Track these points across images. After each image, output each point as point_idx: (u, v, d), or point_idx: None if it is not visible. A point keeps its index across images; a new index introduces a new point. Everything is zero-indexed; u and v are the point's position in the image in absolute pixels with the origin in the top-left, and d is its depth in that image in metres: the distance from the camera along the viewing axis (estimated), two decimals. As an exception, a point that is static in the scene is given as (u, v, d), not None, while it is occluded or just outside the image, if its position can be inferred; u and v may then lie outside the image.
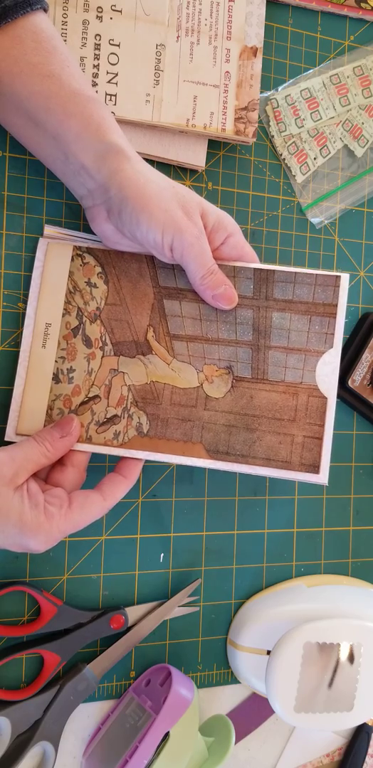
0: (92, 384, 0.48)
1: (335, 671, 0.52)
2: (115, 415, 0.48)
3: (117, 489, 0.46)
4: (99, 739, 0.52)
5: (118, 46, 0.50)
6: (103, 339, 0.48)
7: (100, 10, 0.49)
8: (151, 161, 0.53)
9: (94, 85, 0.49)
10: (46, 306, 0.48)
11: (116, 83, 0.50)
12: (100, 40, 0.49)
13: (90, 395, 0.48)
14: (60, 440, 0.45)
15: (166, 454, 0.47)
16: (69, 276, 0.48)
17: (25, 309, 0.50)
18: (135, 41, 0.50)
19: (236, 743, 0.54)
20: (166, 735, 0.48)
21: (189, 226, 0.44)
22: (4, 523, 0.41)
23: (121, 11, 0.49)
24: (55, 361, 0.48)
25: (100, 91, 0.49)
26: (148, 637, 0.54)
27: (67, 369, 0.48)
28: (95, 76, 0.49)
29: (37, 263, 0.48)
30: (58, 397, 0.48)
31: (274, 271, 0.48)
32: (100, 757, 0.51)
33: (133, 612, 0.53)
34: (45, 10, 0.44)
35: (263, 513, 0.58)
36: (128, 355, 0.48)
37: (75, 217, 0.52)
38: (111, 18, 0.49)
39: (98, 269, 0.48)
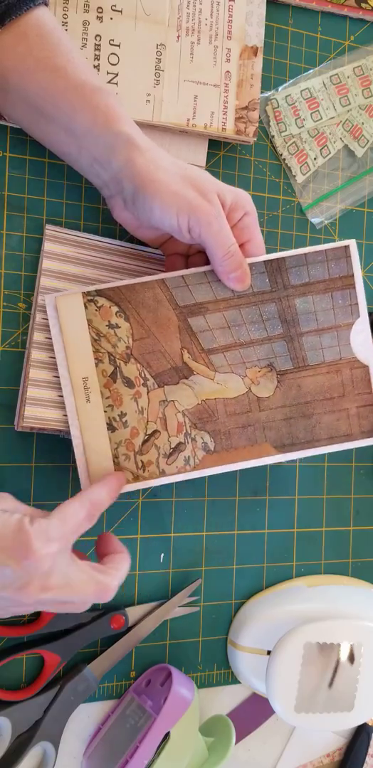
0: (147, 421, 0.48)
1: (335, 671, 0.52)
2: (180, 443, 0.48)
3: (94, 490, 0.44)
4: (99, 739, 0.52)
5: (119, 46, 0.49)
6: (143, 375, 0.48)
7: (100, 10, 0.49)
8: (151, 161, 0.53)
9: (95, 85, 0.49)
10: (77, 362, 0.47)
11: (117, 83, 0.50)
12: (100, 40, 0.49)
13: (149, 432, 0.48)
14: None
15: (238, 463, 0.48)
16: (89, 324, 0.47)
17: (25, 309, 0.50)
18: (135, 41, 0.50)
19: (236, 743, 0.54)
20: (167, 735, 0.48)
21: (205, 205, 0.44)
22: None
23: (121, 11, 0.49)
24: (105, 411, 0.47)
25: (100, 91, 0.49)
26: (149, 637, 0.54)
27: (119, 415, 0.47)
28: (96, 76, 0.49)
29: (52, 321, 0.47)
30: (119, 444, 0.47)
31: (284, 258, 0.48)
32: (100, 758, 0.51)
33: (133, 612, 0.53)
34: (46, 4, 0.44)
35: (264, 513, 0.58)
36: (172, 383, 0.48)
37: (75, 216, 0.51)
38: (111, 18, 0.49)
39: (115, 308, 0.47)
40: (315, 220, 0.59)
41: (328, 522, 0.60)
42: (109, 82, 0.49)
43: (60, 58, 0.42)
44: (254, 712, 0.58)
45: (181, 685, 0.50)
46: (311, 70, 0.58)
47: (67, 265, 0.49)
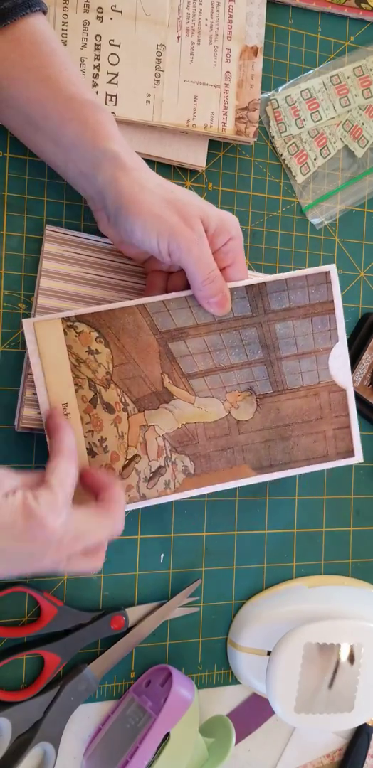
0: (128, 446, 0.48)
1: (335, 672, 0.52)
2: (160, 467, 0.48)
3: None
4: (99, 739, 0.52)
5: (119, 46, 0.49)
6: (123, 400, 0.48)
7: (100, 10, 0.49)
8: (151, 161, 0.53)
9: (95, 85, 0.49)
10: (57, 387, 0.46)
11: (117, 83, 0.50)
12: (100, 40, 0.49)
13: (129, 457, 0.48)
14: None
15: (218, 484, 0.49)
16: (68, 350, 0.46)
17: (25, 310, 0.50)
18: (135, 41, 0.50)
19: (236, 744, 0.54)
20: (167, 736, 0.48)
21: (186, 231, 0.43)
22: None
23: (121, 12, 0.49)
24: (85, 437, 0.47)
25: (100, 92, 0.49)
26: (149, 637, 0.54)
27: (99, 440, 0.47)
28: (96, 76, 0.49)
29: (31, 347, 0.46)
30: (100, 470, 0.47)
31: (265, 283, 0.48)
32: (100, 758, 0.51)
33: (133, 613, 0.53)
34: (44, 12, 0.44)
35: (263, 513, 0.58)
36: (152, 407, 0.48)
37: (75, 217, 0.51)
38: (111, 18, 0.49)
39: (95, 334, 0.47)
40: (315, 221, 0.59)
41: (328, 522, 0.60)
42: (109, 82, 0.49)
43: (52, 69, 0.42)
44: (254, 713, 0.58)
45: (181, 686, 0.50)
46: (311, 71, 0.58)
47: (67, 266, 0.49)
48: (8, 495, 0.38)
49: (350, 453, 0.51)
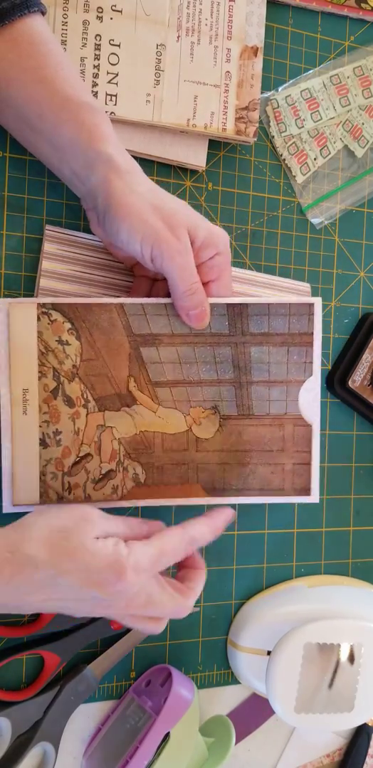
0: (81, 443, 0.47)
1: (335, 672, 0.52)
2: (111, 470, 0.48)
3: (196, 523, 0.44)
4: (99, 739, 0.52)
5: (119, 46, 0.49)
6: (85, 396, 0.47)
7: (100, 10, 0.49)
8: (151, 161, 0.53)
9: (95, 85, 0.49)
10: (20, 372, 0.46)
11: (117, 83, 0.50)
12: (100, 40, 0.49)
13: (81, 454, 0.47)
14: (142, 536, 0.43)
15: (166, 499, 0.48)
16: (38, 336, 0.46)
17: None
18: (135, 41, 0.50)
19: (236, 744, 0.54)
20: (167, 735, 0.48)
21: (170, 239, 0.43)
22: (89, 563, 0.38)
23: (121, 11, 0.49)
24: (40, 426, 0.46)
25: (100, 92, 0.49)
26: (149, 637, 0.54)
27: (53, 432, 0.46)
28: (96, 76, 0.49)
29: (1, 327, 0.45)
30: (49, 462, 0.47)
31: (247, 305, 0.48)
32: (100, 758, 0.51)
33: (133, 612, 0.53)
34: (43, 13, 0.44)
35: (263, 513, 0.58)
36: (113, 408, 0.47)
37: (75, 217, 0.51)
38: (111, 18, 0.49)
39: (68, 325, 0.46)
40: (315, 221, 0.59)
41: (328, 522, 0.60)
42: (109, 82, 0.49)
43: (48, 70, 0.42)
44: (254, 713, 0.58)
45: (181, 686, 0.50)
46: (311, 71, 0.58)
47: (67, 266, 0.49)
48: (99, 540, 0.39)
49: (306, 491, 0.51)
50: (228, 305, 0.48)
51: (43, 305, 0.46)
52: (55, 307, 0.46)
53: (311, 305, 0.49)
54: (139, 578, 0.39)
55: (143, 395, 0.48)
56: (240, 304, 0.48)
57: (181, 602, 0.42)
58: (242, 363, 0.49)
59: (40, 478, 0.46)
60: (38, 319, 0.46)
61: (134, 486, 0.48)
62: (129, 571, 0.38)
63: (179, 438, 0.48)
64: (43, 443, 0.46)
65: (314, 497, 0.51)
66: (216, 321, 0.48)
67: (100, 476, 0.47)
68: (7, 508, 0.46)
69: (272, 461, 0.50)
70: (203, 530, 0.43)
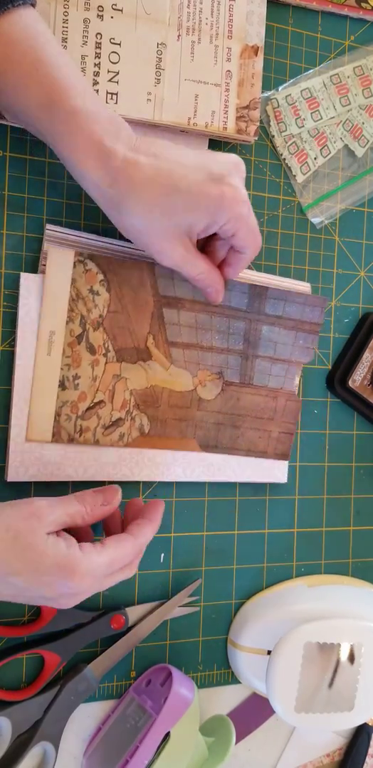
0: (97, 390, 0.49)
1: (335, 671, 0.52)
2: (120, 418, 0.50)
3: (145, 530, 0.45)
4: (99, 739, 0.52)
5: (119, 44, 0.49)
6: (106, 346, 0.49)
7: (101, 8, 0.49)
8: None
9: (95, 84, 0.49)
10: (50, 314, 0.48)
11: (117, 82, 0.49)
12: (101, 38, 0.49)
13: (95, 400, 0.49)
14: (100, 507, 0.44)
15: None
16: (72, 283, 0.48)
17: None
18: (136, 40, 0.50)
19: (236, 743, 0.54)
20: (167, 735, 0.48)
21: (187, 267, 0.45)
22: (39, 563, 0.39)
23: (121, 10, 0.49)
24: (61, 369, 0.48)
25: (101, 90, 0.49)
26: (149, 637, 0.54)
27: (73, 376, 0.49)
28: (96, 74, 0.49)
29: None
30: (65, 404, 0.49)
31: (267, 288, 0.52)
32: (100, 758, 0.51)
33: (133, 612, 0.53)
34: (33, 5, 0.42)
35: (263, 513, 0.58)
36: (130, 361, 0.50)
37: (75, 217, 0.51)
38: (112, 17, 0.49)
39: (100, 277, 0.48)
40: (315, 220, 0.59)
41: (328, 522, 0.60)
42: (109, 80, 0.49)
43: (45, 68, 0.41)
44: (254, 712, 0.58)
45: (182, 685, 0.50)
46: (311, 70, 0.58)
47: (68, 264, 0.50)
48: (50, 536, 0.39)
49: (285, 456, 0.56)
50: (251, 285, 0.52)
51: (81, 254, 0.48)
52: (92, 257, 0.48)
53: (325, 299, 0.55)
54: (87, 582, 0.40)
55: (159, 352, 0.51)
56: (261, 286, 0.52)
57: (142, 535, 0.44)
58: (253, 338, 0.53)
59: (55, 418, 0.48)
60: (74, 266, 0.48)
61: (139, 435, 0.51)
62: (78, 576, 0.39)
63: (185, 396, 0.52)
64: (61, 385, 0.48)
65: (285, 464, 0.56)
66: (237, 297, 0.52)
67: (110, 423, 0.50)
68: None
69: (261, 427, 0.54)
70: (149, 535, 0.45)
